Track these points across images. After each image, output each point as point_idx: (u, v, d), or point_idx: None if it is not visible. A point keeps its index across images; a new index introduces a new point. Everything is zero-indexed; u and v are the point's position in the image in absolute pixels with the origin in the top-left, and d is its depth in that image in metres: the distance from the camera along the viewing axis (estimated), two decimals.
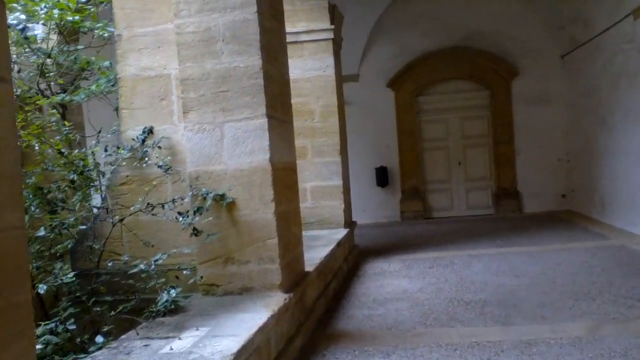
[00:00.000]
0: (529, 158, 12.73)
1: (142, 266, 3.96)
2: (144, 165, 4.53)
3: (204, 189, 4.23)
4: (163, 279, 3.99)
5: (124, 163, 4.56)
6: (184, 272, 4.13)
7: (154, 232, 4.66)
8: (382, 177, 13.02)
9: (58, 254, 4.53)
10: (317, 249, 6.53)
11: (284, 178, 4.61)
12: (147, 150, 4.56)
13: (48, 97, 5.98)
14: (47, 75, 6.12)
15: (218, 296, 4.33)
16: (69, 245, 4.29)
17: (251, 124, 4.26)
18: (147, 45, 4.65)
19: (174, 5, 4.31)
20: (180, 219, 3.99)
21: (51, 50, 5.70)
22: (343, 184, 8.16)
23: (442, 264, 7.69)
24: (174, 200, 4.14)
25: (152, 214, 4.11)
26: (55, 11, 5.00)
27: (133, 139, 4.64)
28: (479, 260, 7.83)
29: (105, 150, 4.45)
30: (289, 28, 7.80)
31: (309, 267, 5.45)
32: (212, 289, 4.36)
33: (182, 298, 4.16)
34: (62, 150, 4.16)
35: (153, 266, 3.90)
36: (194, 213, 4.13)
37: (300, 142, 8.12)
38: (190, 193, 4.21)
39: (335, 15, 8.19)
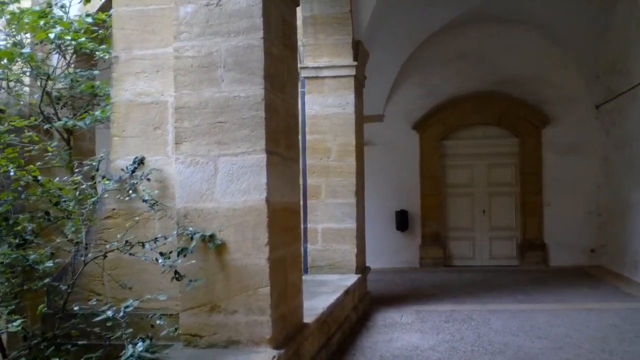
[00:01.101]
0: (558, 209, 12.15)
1: (109, 313, 3.55)
2: (129, 198, 4.16)
3: (190, 229, 3.83)
4: (130, 330, 3.56)
5: (106, 195, 4.20)
6: (158, 322, 3.71)
7: (137, 273, 4.27)
8: (402, 220, 12.55)
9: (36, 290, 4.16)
10: (322, 296, 6.07)
11: (283, 220, 4.20)
12: (135, 183, 4.19)
13: (53, 122, 5.71)
14: (53, 99, 5.87)
15: (201, 348, 3.89)
16: (39, 284, 3.91)
17: (248, 160, 3.87)
18: (144, 69, 4.34)
19: (174, 27, 3.99)
20: (160, 260, 3.59)
21: (52, 72, 5.45)
22: (357, 227, 7.71)
23: (458, 319, 7.14)
24: (156, 239, 3.75)
25: (130, 254, 3.71)
26: (57, 29, 4.74)
27: (122, 169, 4.29)
28: (499, 316, 7.26)
29: (92, 179, 4.10)
30: (310, 62, 7.54)
31: (310, 317, 4.99)
32: (195, 339, 3.92)
33: (161, 348, 3.74)
34: (39, 177, 3.81)
35: (122, 313, 3.48)
36: (178, 254, 3.72)
37: (314, 181, 7.73)
38: (175, 232, 3.81)
39: (359, 52, 7.86)
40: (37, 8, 5.28)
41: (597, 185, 11.92)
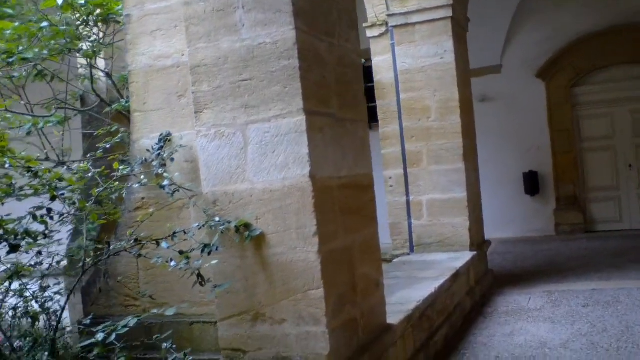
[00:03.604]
0: None
1: (129, 320, 2.83)
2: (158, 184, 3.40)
3: (217, 218, 3.00)
4: (169, 341, 2.83)
5: (136, 184, 3.47)
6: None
7: (176, 272, 3.53)
8: (532, 184, 11.05)
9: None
10: (424, 282, 5.06)
11: (343, 200, 3.26)
12: (159, 165, 3.44)
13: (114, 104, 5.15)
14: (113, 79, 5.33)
15: None
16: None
17: (283, 125, 2.97)
18: (160, 25, 3.55)
19: None
20: (172, 263, 2.80)
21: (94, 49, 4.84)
22: (468, 195, 6.56)
23: (601, 301, 5.82)
24: (174, 234, 2.96)
25: (140, 255, 2.95)
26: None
27: (148, 150, 3.55)
28: None
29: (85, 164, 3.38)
30: (396, 8, 6.45)
31: (400, 314, 4.04)
32: (238, 355, 3.12)
33: None
34: (34, 167, 3.15)
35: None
36: (202, 252, 2.91)
37: (413, 146, 6.66)
38: (198, 224, 3.00)
39: None
40: None
41: None
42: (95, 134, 4.95)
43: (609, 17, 10.50)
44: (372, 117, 9.05)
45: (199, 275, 2.88)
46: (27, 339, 3.33)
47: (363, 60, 6.03)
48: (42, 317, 3.40)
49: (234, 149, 3.08)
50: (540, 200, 11.14)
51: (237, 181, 3.08)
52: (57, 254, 3.48)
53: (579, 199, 10.97)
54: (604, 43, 10.51)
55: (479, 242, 6.94)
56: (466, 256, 6.26)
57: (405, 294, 4.62)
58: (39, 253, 3.30)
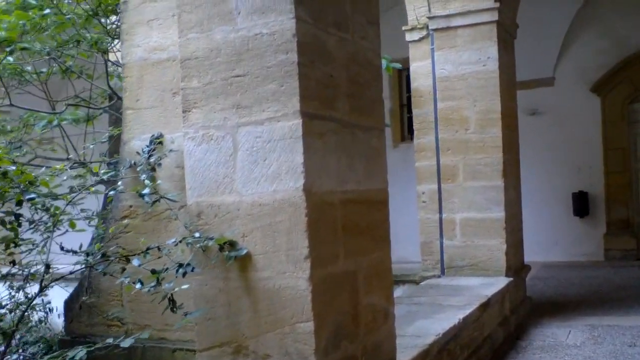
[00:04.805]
0: None
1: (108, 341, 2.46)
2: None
3: (197, 234, 2.61)
4: None
5: (120, 187, 3.11)
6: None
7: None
8: (581, 204, 10.38)
9: None
10: (449, 311, 4.57)
11: (349, 217, 2.84)
12: (154, 170, 3.08)
13: None
14: None
15: None
16: None
17: (277, 129, 2.56)
18: (158, 14, 3.20)
19: None
20: (137, 285, 2.42)
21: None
22: (507, 216, 6.01)
23: None
24: (147, 251, 2.59)
25: (106, 273, 2.59)
26: None
27: (138, 153, 3.19)
28: None
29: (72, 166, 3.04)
30: (438, 10, 5.99)
31: (415, 349, 3.58)
32: None
33: None
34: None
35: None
36: (177, 273, 2.53)
37: (449, 160, 6.16)
38: (173, 240, 2.61)
39: None
40: None
41: None
42: (111, 135, 4.68)
43: None
44: (410, 128, 8.58)
45: (171, 300, 2.48)
46: None
47: (400, 66, 5.55)
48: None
49: (222, 155, 2.68)
50: (589, 223, 10.44)
51: (224, 192, 2.68)
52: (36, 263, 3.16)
53: (632, 223, 10.23)
54: None
55: (516, 267, 6.37)
56: (501, 282, 5.72)
57: (426, 325, 4.14)
58: (13, 263, 2.98)
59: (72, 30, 4.25)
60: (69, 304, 3.45)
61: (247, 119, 2.63)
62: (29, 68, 5.15)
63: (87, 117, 5.48)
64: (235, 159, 2.65)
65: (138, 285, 2.49)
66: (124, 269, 3.05)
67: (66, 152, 5.40)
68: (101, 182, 3.39)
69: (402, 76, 10.80)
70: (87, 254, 2.90)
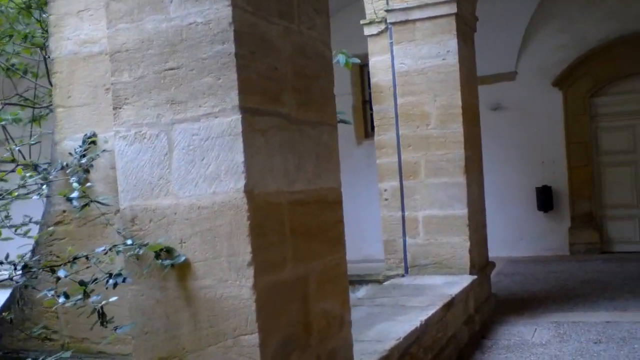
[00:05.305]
0: None
1: None
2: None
3: (129, 241, 2.40)
4: None
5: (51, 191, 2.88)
6: None
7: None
8: (546, 199, 10.37)
9: None
10: (412, 313, 4.42)
11: (298, 219, 2.65)
12: (88, 171, 2.85)
13: None
14: None
15: None
16: None
17: (215, 125, 2.36)
18: (89, 4, 2.97)
19: None
20: (61, 299, 2.20)
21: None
22: (470, 212, 5.90)
23: (615, 338, 5.13)
24: (74, 260, 2.37)
25: (27, 285, 2.36)
26: None
27: (70, 153, 2.96)
28: None
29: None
30: (396, 3, 5.84)
31: (375, 355, 3.41)
32: None
33: None
34: None
35: None
36: (107, 284, 2.31)
37: (410, 156, 6.02)
38: (102, 248, 2.39)
39: None
40: None
41: None
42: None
43: (633, 23, 9.81)
44: (373, 124, 8.45)
45: (100, 313, 2.27)
46: None
47: (359, 61, 5.38)
48: None
49: (156, 155, 2.47)
50: (553, 218, 10.44)
51: (159, 195, 2.47)
52: None
53: (596, 217, 10.27)
54: (627, 51, 9.84)
55: (480, 265, 6.27)
56: (465, 280, 5.61)
57: (387, 328, 3.98)
58: None
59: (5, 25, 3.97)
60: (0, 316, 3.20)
61: (183, 116, 2.42)
62: None
63: (32, 118, 5.20)
64: (170, 159, 2.44)
65: (61, 299, 2.26)
66: (58, 279, 2.82)
67: (12, 155, 5.11)
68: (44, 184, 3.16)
69: (365, 72, 10.66)
70: (14, 265, 2.66)
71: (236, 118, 2.32)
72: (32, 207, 3.28)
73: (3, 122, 4.88)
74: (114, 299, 2.29)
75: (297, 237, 2.64)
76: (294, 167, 2.66)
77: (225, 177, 2.35)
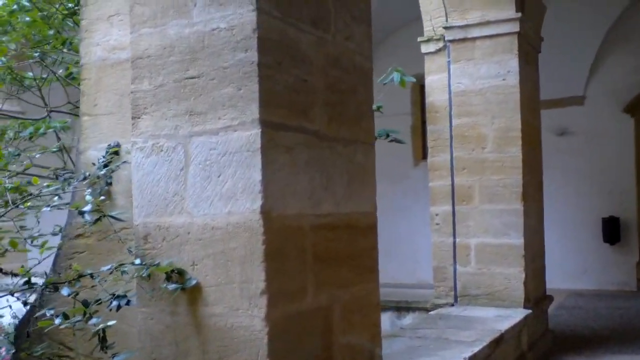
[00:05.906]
0: None
1: None
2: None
3: (137, 260, 2.24)
4: None
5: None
6: None
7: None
8: (612, 230, 9.77)
9: None
10: (454, 348, 4.10)
11: (324, 245, 2.44)
12: (110, 184, 2.73)
13: None
14: None
15: None
16: None
17: (233, 140, 2.18)
18: (119, 9, 2.86)
19: None
20: (57, 320, 2.05)
21: None
22: (526, 242, 5.53)
23: None
24: (78, 278, 2.22)
25: (26, 303, 2.23)
26: None
27: (94, 163, 2.85)
28: None
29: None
30: (455, 20, 5.59)
31: None
32: None
33: None
34: None
35: None
36: (110, 306, 2.15)
37: (464, 180, 5.71)
38: (108, 267, 2.24)
39: (525, 2, 5.69)
40: None
41: None
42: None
43: None
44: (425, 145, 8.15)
45: (101, 338, 2.11)
46: None
47: (414, 79, 5.13)
48: None
49: (172, 169, 2.31)
50: (620, 250, 9.82)
51: (173, 212, 2.31)
52: None
53: None
54: None
55: (537, 298, 5.86)
56: (518, 315, 5.23)
57: None
58: None
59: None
60: (19, 329, 3.11)
61: (201, 128, 2.25)
62: (30, 74, 4.92)
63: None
64: (186, 174, 2.28)
65: (57, 320, 2.11)
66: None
67: (63, 162, 5.12)
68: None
69: (424, 91, 10.37)
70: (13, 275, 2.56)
71: (255, 132, 2.14)
72: (62, 217, 3.21)
73: (50, 130, 4.90)
74: (112, 322, 2.12)
75: (320, 264, 2.43)
76: (321, 188, 2.45)
77: (241, 197, 2.16)
